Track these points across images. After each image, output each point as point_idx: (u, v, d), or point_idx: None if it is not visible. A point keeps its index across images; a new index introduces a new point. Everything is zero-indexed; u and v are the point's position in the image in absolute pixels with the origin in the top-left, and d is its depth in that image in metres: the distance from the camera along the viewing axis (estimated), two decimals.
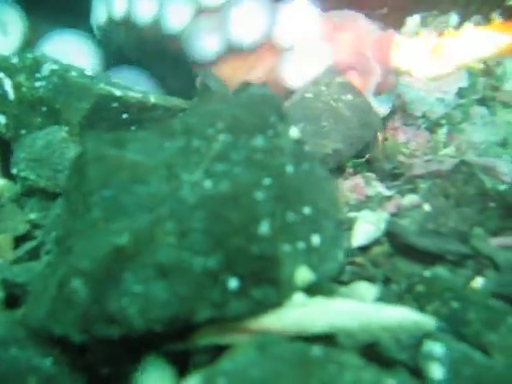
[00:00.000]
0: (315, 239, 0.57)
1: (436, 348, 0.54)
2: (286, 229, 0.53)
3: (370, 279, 0.75)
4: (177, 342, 0.51)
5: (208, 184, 0.53)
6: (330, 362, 0.43)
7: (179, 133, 0.57)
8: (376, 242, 0.86)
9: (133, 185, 0.53)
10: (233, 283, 0.49)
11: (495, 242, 0.89)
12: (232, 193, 0.51)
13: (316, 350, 0.44)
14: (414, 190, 1.08)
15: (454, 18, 1.41)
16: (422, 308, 0.69)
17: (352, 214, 0.93)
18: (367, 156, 1.17)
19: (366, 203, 0.98)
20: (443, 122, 1.40)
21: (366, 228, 0.87)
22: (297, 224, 0.55)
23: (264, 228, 0.50)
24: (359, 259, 0.82)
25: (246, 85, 0.61)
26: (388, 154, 1.28)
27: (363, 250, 0.85)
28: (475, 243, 0.86)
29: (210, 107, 0.59)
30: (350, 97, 0.97)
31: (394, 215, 0.93)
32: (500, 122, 1.42)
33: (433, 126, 1.38)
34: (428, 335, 0.56)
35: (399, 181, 1.15)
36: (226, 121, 0.57)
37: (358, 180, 1.03)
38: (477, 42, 1.41)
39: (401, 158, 1.28)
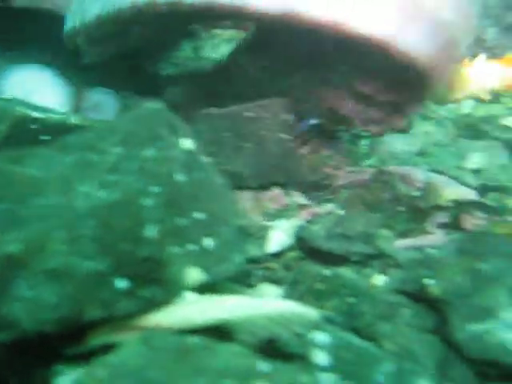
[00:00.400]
0: (208, 242, 0.61)
1: (320, 337, 0.58)
2: (176, 233, 0.57)
3: (278, 281, 0.79)
4: (73, 345, 0.54)
5: (100, 194, 0.56)
6: (206, 349, 0.47)
7: (76, 148, 0.61)
8: (289, 248, 0.91)
9: (29, 198, 0.56)
10: (121, 284, 0.53)
11: (402, 243, 0.95)
12: (121, 201, 0.55)
13: (194, 339, 0.48)
14: (333, 200, 1.14)
15: None
16: (322, 305, 0.74)
17: (268, 223, 0.97)
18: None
19: (282, 212, 1.03)
20: (364, 134, 1.46)
21: (279, 235, 0.92)
22: (188, 228, 0.59)
23: (151, 232, 0.54)
24: (272, 264, 0.86)
25: (142, 102, 0.65)
26: (313, 167, 1.34)
27: (277, 255, 0.89)
28: (380, 244, 0.91)
29: (108, 123, 0.63)
30: (282, 136, 1.03)
31: (308, 222, 0.98)
32: (418, 132, 1.51)
33: (355, 139, 1.45)
34: (315, 326, 0.60)
35: (322, 192, 1.21)
36: (119, 135, 0.61)
37: (277, 191, 1.08)
38: (487, 73, 1.50)
39: (326, 170, 1.34)
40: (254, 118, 0.99)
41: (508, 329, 0.69)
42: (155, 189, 0.56)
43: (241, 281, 0.74)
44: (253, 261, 0.85)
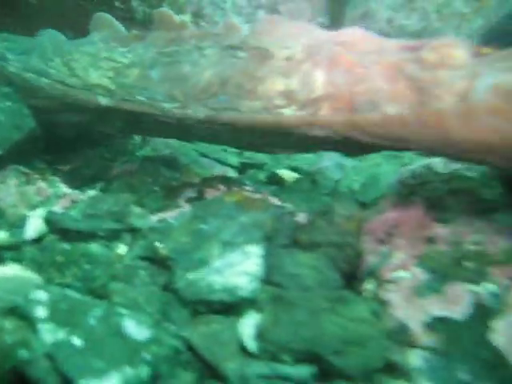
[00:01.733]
0: None
1: (39, 295, 0.69)
2: None
3: (24, 261, 0.88)
4: None
5: None
6: None
7: None
8: (46, 233, 1.00)
9: None
10: None
11: (153, 218, 1.08)
12: None
13: None
14: (98, 188, 1.25)
15: None
16: (62, 274, 0.84)
17: (29, 213, 1.06)
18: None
19: (45, 202, 1.11)
20: None
21: (37, 223, 1.01)
22: None
23: None
24: (26, 248, 0.95)
25: None
26: (89, 162, 1.43)
27: (34, 241, 0.98)
28: (132, 220, 1.04)
29: None
30: (8, 103, 1.10)
31: (65, 208, 1.07)
32: None
33: None
34: (36, 287, 0.70)
35: (97, 183, 1.31)
36: None
37: (42, 184, 1.16)
38: None
39: (102, 163, 1.45)
40: None
41: (216, 273, 0.85)
42: None
43: None
44: (6, 247, 0.93)
